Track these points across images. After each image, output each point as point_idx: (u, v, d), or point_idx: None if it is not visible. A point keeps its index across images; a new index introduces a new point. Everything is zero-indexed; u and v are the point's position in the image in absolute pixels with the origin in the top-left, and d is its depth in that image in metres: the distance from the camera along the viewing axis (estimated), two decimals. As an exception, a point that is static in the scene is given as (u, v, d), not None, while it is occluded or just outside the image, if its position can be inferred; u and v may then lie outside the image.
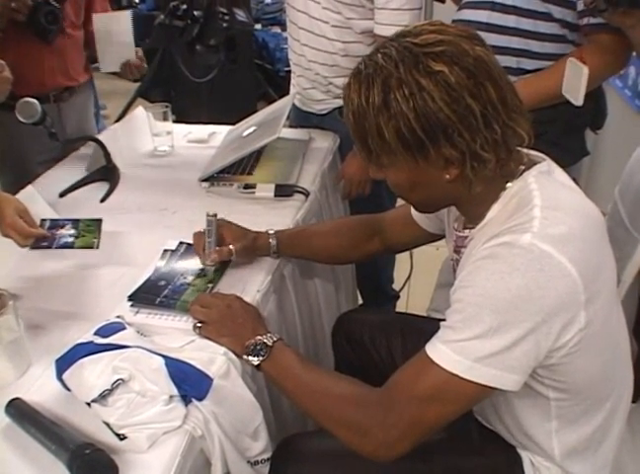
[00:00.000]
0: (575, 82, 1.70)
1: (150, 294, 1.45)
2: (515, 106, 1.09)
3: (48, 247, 1.58)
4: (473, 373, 1.05)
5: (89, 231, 1.66)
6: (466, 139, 1.05)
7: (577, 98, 1.70)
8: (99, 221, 1.69)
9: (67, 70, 2.43)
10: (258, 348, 1.28)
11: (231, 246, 1.54)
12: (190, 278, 1.51)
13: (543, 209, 1.07)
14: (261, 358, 1.28)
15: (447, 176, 1.11)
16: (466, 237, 1.25)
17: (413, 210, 1.53)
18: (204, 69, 3.18)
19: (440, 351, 1.08)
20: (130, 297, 1.43)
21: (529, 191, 1.11)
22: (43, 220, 1.67)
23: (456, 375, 1.06)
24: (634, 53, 1.76)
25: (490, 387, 1.06)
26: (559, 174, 1.19)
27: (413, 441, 1.14)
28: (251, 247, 1.59)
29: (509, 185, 1.15)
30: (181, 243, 1.63)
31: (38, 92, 2.08)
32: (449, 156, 1.07)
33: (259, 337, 1.30)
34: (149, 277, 1.51)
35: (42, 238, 1.58)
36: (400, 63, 1.05)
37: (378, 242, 1.64)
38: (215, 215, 1.53)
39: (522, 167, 1.16)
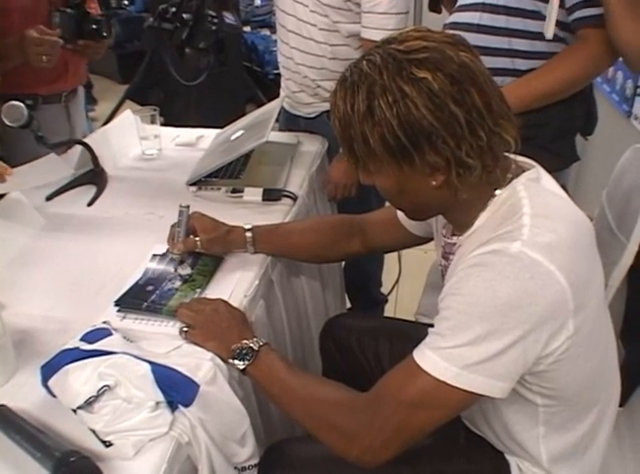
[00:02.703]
0: None
1: (137, 299, 1.44)
2: (501, 111, 1.09)
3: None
4: (461, 380, 1.05)
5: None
6: (451, 146, 1.05)
7: (546, 30, 1.70)
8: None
9: (79, 70, 2.42)
10: (244, 352, 1.28)
11: (197, 237, 1.56)
12: (177, 284, 1.50)
13: (533, 217, 1.07)
14: (246, 363, 1.28)
15: (434, 182, 1.11)
16: (454, 244, 1.25)
17: (399, 213, 1.53)
18: (194, 72, 3.17)
19: (428, 357, 1.08)
20: (117, 302, 1.43)
21: (519, 199, 1.11)
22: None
23: (444, 382, 1.06)
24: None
25: (477, 394, 1.06)
26: (547, 180, 1.19)
27: (399, 447, 1.14)
28: (222, 239, 1.60)
29: (497, 192, 1.15)
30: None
31: (54, 92, 2.09)
32: (434, 163, 1.07)
33: (245, 341, 1.30)
34: (136, 282, 1.50)
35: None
36: (384, 70, 1.05)
37: (359, 242, 1.64)
38: (188, 207, 1.56)
39: (511, 175, 1.16)
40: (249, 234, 1.62)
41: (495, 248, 1.05)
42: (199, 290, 1.48)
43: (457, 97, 1.04)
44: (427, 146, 1.06)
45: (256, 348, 1.29)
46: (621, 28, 1.63)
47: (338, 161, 2.21)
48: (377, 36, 2.04)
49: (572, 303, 1.05)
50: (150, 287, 1.48)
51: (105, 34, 2.18)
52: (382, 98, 1.04)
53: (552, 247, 1.05)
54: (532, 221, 1.07)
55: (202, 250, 1.58)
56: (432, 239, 1.48)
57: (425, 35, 1.09)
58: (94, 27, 2.16)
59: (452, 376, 1.05)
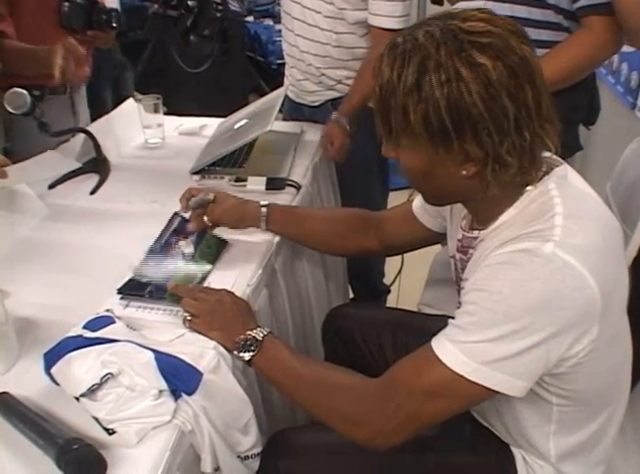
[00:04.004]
0: None
1: (139, 286, 1.44)
2: (548, 115, 1.06)
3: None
4: (479, 376, 1.04)
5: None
6: (494, 140, 1.02)
7: None
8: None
9: (88, 60, 2.42)
10: (248, 343, 1.28)
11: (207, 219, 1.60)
12: (179, 263, 1.51)
13: (565, 218, 1.04)
14: (252, 354, 1.27)
15: (464, 172, 1.08)
16: (475, 238, 1.22)
17: (414, 206, 1.52)
18: (198, 60, 3.17)
19: (448, 350, 1.06)
20: (120, 290, 1.42)
21: (550, 197, 1.08)
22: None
23: (462, 376, 1.04)
24: (626, 38, 1.76)
25: (495, 391, 1.05)
26: (574, 177, 1.17)
27: (409, 433, 1.14)
28: (235, 210, 1.63)
29: (528, 188, 1.12)
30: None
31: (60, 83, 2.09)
32: (472, 153, 1.04)
33: (249, 332, 1.29)
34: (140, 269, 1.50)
35: None
36: (442, 46, 1.00)
37: (375, 239, 1.61)
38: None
39: (541, 172, 1.13)
40: (264, 210, 1.62)
41: (526, 247, 1.03)
42: (201, 274, 1.48)
43: (512, 91, 1.00)
44: (470, 135, 1.02)
45: (260, 338, 1.28)
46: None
47: (333, 123, 2.18)
48: (386, 23, 2.03)
49: (600, 307, 1.03)
50: (152, 268, 1.49)
51: (115, 24, 2.17)
52: (435, 74, 0.99)
53: (585, 249, 1.03)
54: (565, 222, 1.04)
55: (212, 221, 1.60)
56: (444, 237, 1.46)
57: (489, 18, 1.03)
58: (104, 17, 2.15)
59: (471, 371, 1.04)
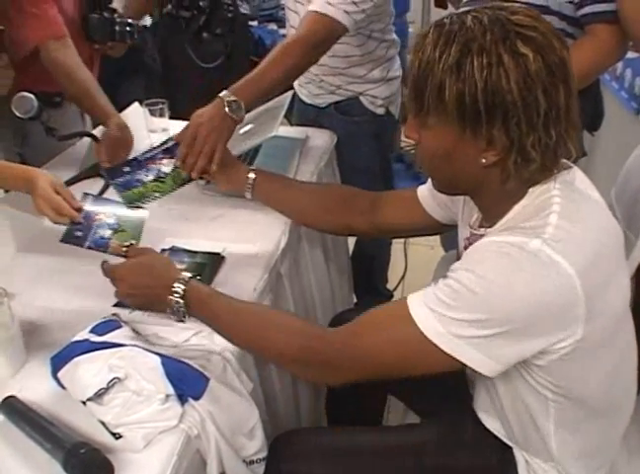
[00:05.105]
0: None
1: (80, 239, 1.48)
2: (574, 121, 1.09)
3: (80, 245, 1.49)
4: (451, 346, 1.07)
5: (131, 223, 1.54)
6: (522, 131, 1.04)
7: None
8: (141, 217, 1.57)
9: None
10: (176, 307, 1.30)
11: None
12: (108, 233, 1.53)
13: (560, 218, 1.06)
14: (183, 313, 1.30)
15: (484, 160, 1.10)
16: (482, 235, 1.23)
17: (420, 191, 1.52)
18: (212, 56, 3.22)
19: (425, 314, 1.09)
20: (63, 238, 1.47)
21: (550, 196, 1.10)
22: (86, 194, 1.60)
23: (434, 344, 1.07)
24: (630, 44, 1.77)
25: (462, 363, 1.08)
26: (582, 181, 1.18)
27: (358, 375, 1.19)
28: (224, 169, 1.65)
29: (533, 187, 1.13)
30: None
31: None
32: (497, 140, 1.06)
33: (169, 296, 1.30)
34: None
35: (77, 223, 1.50)
36: (488, 32, 1.03)
37: (363, 217, 1.61)
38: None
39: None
40: (251, 176, 1.64)
41: (516, 240, 1.05)
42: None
43: (548, 88, 1.03)
44: (500, 120, 1.04)
45: (179, 296, 1.29)
46: (629, 3, 1.63)
47: (209, 105, 1.66)
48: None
49: (584, 308, 1.04)
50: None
51: (135, 36, 2.20)
52: (477, 57, 1.02)
53: (574, 250, 1.04)
54: (558, 221, 1.06)
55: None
56: (445, 229, 1.48)
57: (537, 16, 1.07)
58: (127, 29, 2.19)
59: (446, 341, 1.07)
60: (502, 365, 1.09)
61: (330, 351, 1.19)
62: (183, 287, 1.29)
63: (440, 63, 1.05)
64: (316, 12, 1.85)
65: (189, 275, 1.31)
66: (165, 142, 1.67)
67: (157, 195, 1.50)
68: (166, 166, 1.56)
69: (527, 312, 1.03)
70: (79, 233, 1.50)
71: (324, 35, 1.85)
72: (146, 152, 1.64)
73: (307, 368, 1.25)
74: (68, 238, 1.49)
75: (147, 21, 3.03)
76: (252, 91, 1.71)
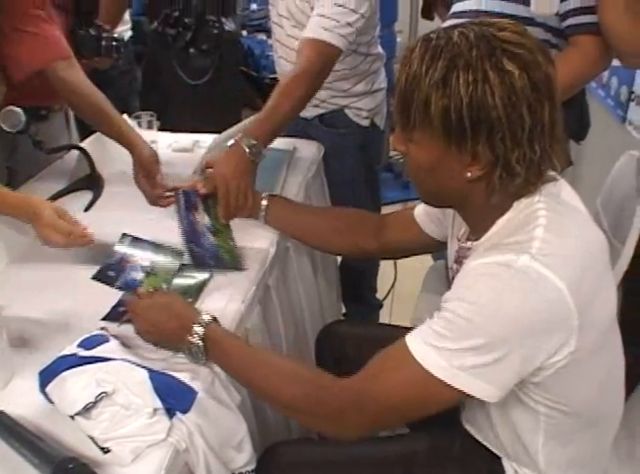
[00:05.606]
0: None
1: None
2: (559, 137, 1.10)
3: (110, 284, 1.51)
4: (456, 380, 1.06)
5: (164, 267, 1.56)
6: (506, 146, 1.05)
7: (551, 7, 1.68)
8: (179, 254, 1.59)
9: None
10: (193, 351, 1.27)
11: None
12: (140, 276, 1.54)
13: (546, 231, 1.07)
14: (202, 359, 1.27)
15: (469, 174, 1.11)
16: (469, 249, 1.25)
17: (416, 211, 1.54)
18: (198, 73, 3.23)
19: (425, 351, 1.08)
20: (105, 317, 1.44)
21: (535, 210, 1.11)
22: (125, 235, 1.63)
23: (439, 379, 1.07)
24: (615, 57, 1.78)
25: (469, 395, 1.07)
26: (568, 193, 1.19)
27: (374, 428, 1.21)
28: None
29: (518, 200, 1.14)
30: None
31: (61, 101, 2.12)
32: (482, 155, 1.07)
33: (189, 338, 1.27)
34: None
35: (111, 264, 1.55)
36: (475, 48, 1.04)
37: (372, 239, 1.62)
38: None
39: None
40: (264, 203, 1.66)
41: (503, 259, 1.05)
42: (190, 300, 1.47)
43: (532, 104, 1.04)
44: (485, 136, 1.05)
45: (200, 343, 1.26)
46: (609, 13, 1.64)
47: (228, 154, 1.72)
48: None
49: (576, 320, 1.05)
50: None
51: (122, 50, 2.21)
52: (463, 73, 1.03)
53: (561, 262, 1.05)
54: (545, 235, 1.06)
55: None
56: (443, 246, 1.48)
57: (524, 32, 1.08)
58: (114, 44, 2.21)
59: (450, 375, 1.06)
60: (505, 391, 1.09)
61: (339, 401, 1.17)
62: (203, 330, 1.27)
63: (426, 78, 1.05)
64: (312, 39, 1.89)
65: (208, 317, 1.30)
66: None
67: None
68: (202, 218, 1.60)
69: (522, 331, 1.03)
70: (112, 273, 1.54)
71: (324, 62, 1.89)
72: (182, 225, 1.64)
73: (320, 420, 1.21)
74: (100, 276, 1.53)
75: (127, 34, 3.04)
76: (265, 130, 1.76)
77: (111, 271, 1.54)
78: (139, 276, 1.53)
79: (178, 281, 1.54)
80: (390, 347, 1.15)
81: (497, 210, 1.15)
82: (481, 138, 1.05)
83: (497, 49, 1.03)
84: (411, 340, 1.11)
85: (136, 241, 1.63)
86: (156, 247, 1.61)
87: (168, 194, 1.76)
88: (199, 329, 1.27)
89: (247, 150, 1.66)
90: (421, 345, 1.09)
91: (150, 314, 1.33)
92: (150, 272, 1.54)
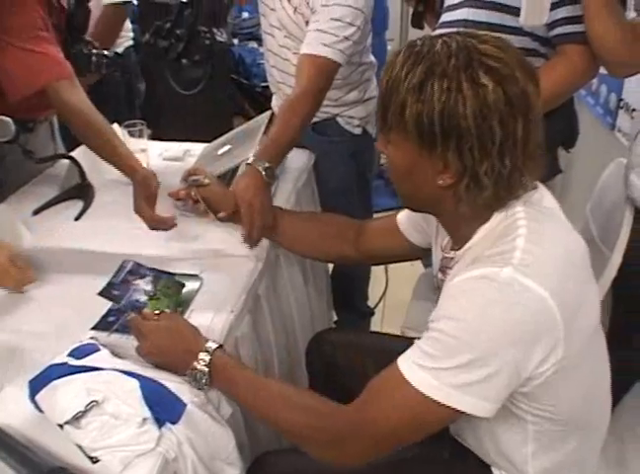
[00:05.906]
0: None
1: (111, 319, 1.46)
2: (534, 154, 1.10)
3: (116, 302, 1.51)
4: (450, 400, 1.06)
5: (167, 294, 1.55)
6: (474, 157, 1.06)
7: (541, 17, 1.68)
8: (181, 285, 1.56)
9: None
10: (198, 377, 1.27)
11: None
12: (144, 298, 1.53)
13: (527, 241, 1.07)
14: (205, 382, 1.27)
15: (440, 181, 1.12)
16: (452, 258, 1.25)
17: (399, 218, 1.54)
18: (189, 83, 3.25)
19: (417, 373, 1.08)
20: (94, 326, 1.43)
21: (515, 219, 1.12)
22: (126, 261, 1.63)
23: (433, 400, 1.07)
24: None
25: (463, 413, 1.07)
26: (549, 201, 1.19)
27: (376, 454, 1.18)
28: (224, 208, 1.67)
29: (498, 211, 1.15)
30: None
31: (48, 114, 2.12)
32: (451, 163, 1.08)
33: (195, 363, 1.27)
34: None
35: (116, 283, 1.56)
36: (453, 57, 1.05)
37: (353, 246, 1.63)
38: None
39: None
40: None
41: (485, 273, 1.05)
42: (180, 309, 1.48)
43: (504, 118, 1.05)
44: (454, 144, 1.06)
45: (206, 370, 1.27)
46: (596, 23, 1.65)
47: (246, 177, 1.72)
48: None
49: (562, 329, 1.05)
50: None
51: (108, 66, 2.23)
52: (438, 81, 1.04)
53: (544, 272, 1.05)
54: (526, 245, 1.07)
55: (200, 197, 1.72)
56: (426, 253, 1.49)
57: (506, 47, 1.09)
58: (104, 61, 2.23)
59: (443, 395, 1.06)
60: (499, 404, 1.09)
61: (338, 427, 1.17)
62: (209, 358, 1.27)
63: (405, 82, 1.07)
64: (312, 56, 1.91)
65: (215, 344, 1.30)
66: (120, 269, 1.63)
67: (167, 309, 1.50)
68: (145, 284, 1.57)
69: (510, 343, 1.04)
70: (116, 292, 1.54)
71: (326, 79, 1.93)
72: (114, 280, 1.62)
73: (322, 448, 1.21)
74: (106, 293, 1.54)
75: (127, 43, 3.05)
76: (277, 151, 1.79)
77: (115, 290, 1.55)
78: (143, 298, 1.53)
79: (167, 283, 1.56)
80: (384, 370, 1.15)
81: (476, 220, 1.16)
82: (450, 146, 1.07)
83: (474, 61, 1.05)
84: (402, 362, 1.12)
85: (139, 267, 1.62)
86: (156, 277, 1.60)
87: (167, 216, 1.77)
88: (205, 356, 1.27)
89: (263, 173, 1.68)
90: (412, 367, 1.09)
91: (156, 337, 1.33)
92: (153, 296, 1.53)
